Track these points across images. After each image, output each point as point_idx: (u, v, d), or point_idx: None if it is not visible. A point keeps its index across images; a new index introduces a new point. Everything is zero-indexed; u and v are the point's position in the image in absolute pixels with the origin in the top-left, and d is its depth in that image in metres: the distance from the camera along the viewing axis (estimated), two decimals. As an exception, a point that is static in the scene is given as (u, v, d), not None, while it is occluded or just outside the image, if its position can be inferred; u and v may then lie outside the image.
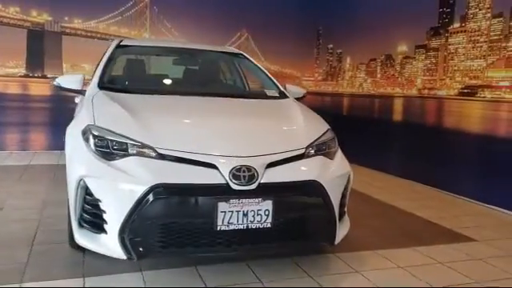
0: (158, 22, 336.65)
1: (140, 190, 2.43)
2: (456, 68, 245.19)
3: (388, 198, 4.86)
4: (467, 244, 3.54)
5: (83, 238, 2.64)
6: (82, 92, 3.59)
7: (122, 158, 2.59)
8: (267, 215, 2.57)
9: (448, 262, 3.15)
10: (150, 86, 4.01)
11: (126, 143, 2.63)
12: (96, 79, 3.57)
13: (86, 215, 2.63)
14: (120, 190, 2.48)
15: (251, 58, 4.62)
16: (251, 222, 2.55)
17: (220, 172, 2.54)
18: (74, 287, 2.57)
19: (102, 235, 2.56)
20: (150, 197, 2.43)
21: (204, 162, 2.57)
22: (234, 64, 4.94)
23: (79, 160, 2.70)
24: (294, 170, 2.74)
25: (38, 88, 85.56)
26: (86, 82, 3.69)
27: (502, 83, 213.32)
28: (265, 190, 2.57)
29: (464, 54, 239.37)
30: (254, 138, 2.94)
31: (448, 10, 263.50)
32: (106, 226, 2.54)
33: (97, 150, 2.65)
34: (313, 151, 2.91)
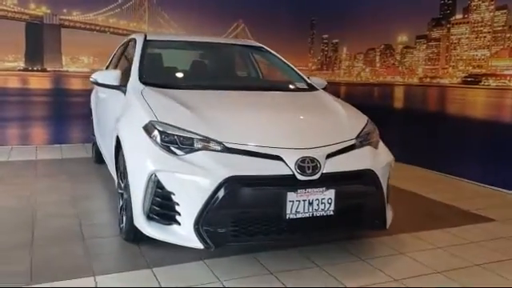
0: (156, 14, 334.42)
1: (215, 182, 2.54)
2: (459, 57, 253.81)
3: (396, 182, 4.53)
4: (489, 224, 3.81)
5: (153, 230, 2.72)
6: (119, 88, 3.66)
7: (192, 152, 2.69)
8: (330, 203, 2.69)
9: (478, 241, 3.39)
10: (191, 81, 4.15)
11: (193, 138, 2.73)
12: (135, 75, 3.62)
13: (156, 208, 2.72)
14: (195, 182, 2.58)
15: (273, 51, 4.71)
16: (316, 210, 2.67)
17: (286, 164, 2.66)
18: (146, 277, 2.67)
19: (174, 226, 2.66)
20: (224, 189, 2.54)
21: (270, 155, 2.68)
22: (250, 57, 5.03)
23: (148, 156, 2.75)
24: (350, 159, 2.88)
25: (38, 82, 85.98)
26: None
27: (506, 72, 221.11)
28: (327, 180, 2.70)
29: (467, 44, 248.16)
30: (311, 130, 3.09)
31: (450, 1, 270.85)
32: (178, 218, 2.64)
33: (165, 145, 2.74)
34: (361, 141, 3.05)
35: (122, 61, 4.74)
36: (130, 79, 3.60)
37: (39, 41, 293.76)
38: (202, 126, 2.81)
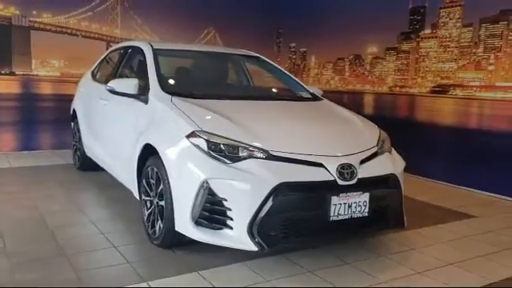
0: (129, 18, 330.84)
1: (267, 188, 2.73)
2: (428, 69, 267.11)
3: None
4: (473, 220, 4.25)
5: (203, 234, 2.84)
6: (137, 97, 3.71)
7: (241, 160, 2.85)
8: (365, 206, 2.97)
9: (471, 235, 3.80)
10: (210, 90, 4.23)
11: (238, 146, 2.89)
12: (156, 84, 3.68)
13: (206, 213, 2.84)
14: (247, 189, 2.74)
15: (270, 61, 4.95)
16: (354, 212, 2.93)
17: (328, 170, 2.90)
18: (195, 280, 2.78)
19: (225, 230, 2.80)
20: (276, 194, 2.73)
21: (313, 162, 2.91)
22: (243, 66, 5.22)
23: (198, 164, 2.87)
24: (376, 165, 3.16)
25: (6, 86, 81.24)
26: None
27: (472, 83, 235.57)
28: (362, 184, 2.96)
29: (435, 57, 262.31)
30: (342, 138, 3.34)
31: (419, 17, 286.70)
32: (230, 222, 2.79)
33: (213, 153, 2.88)
34: (380, 148, 3.33)
35: (122, 68, 4.69)
36: (151, 89, 3.66)
37: (7, 43, 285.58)
38: (243, 134, 2.98)
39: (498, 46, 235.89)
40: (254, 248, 2.73)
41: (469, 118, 51.06)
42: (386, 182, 3.15)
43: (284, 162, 2.87)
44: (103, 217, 3.88)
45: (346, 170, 2.94)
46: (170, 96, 3.50)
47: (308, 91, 4.41)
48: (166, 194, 3.05)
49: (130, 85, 3.75)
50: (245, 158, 2.86)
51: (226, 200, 2.79)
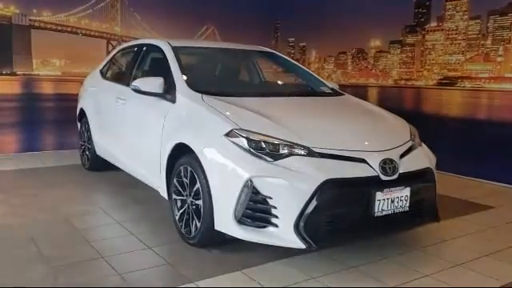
0: (128, 15, 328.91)
1: (313, 185, 2.70)
2: (434, 61, 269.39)
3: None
4: (492, 211, 4.26)
5: (247, 233, 2.81)
6: (163, 96, 3.67)
7: (282, 158, 2.81)
8: (406, 200, 2.97)
9: (496, 226, 3.83)
10: (237, 87, 4.39)
11: (279, 144, 2.85)
12: (182, 83, 3.65)
13: (249, 212, 2.80)
14: (293, 186, 2.71)
15: (285, 56, 5.01)
16: (396, 207, 2.92)
17: (370, 166, 2.88)
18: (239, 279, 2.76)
19: (270, 228, 2.77)
20: (321, 191, 2.70)
21: (356, 158, 2.88)
22: (253, 62, 5.16)
23: (241, 163, 2.83)
24: (413, 159, 3.15)
25: (7, 86, 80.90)
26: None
27: (481, 75, 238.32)
28: (403, 179, 2.96)
29: (442, 50, 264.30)
30: (379, 133, 3.33)
31: (424, 10, 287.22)
32: (275, 220, 2.75)
33: (254, 151, 2.84)
34: (413, 142, 3.32)
35: (138, 67, 4.63)
36: (178, 87, 3.63)
37: (8, 42, 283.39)
38: (282, 131, 2.94)
39: (506, 38, 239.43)
40: (302, 246, 2.71)
41: (474, 108, 51.35)
42: (424, 176, 3.16)
43: (326, 159, 2.84)
44: (128, 217, 3.83)
45: (387, 165, 2.93)
46: (199, 94, 3.47)
47: (327, 86, 4.39)
48: (203, 193, 3.03)
49: (155, 84, 3.69)
50: (286, 156, 2.82)
51: (270, 198, 2.75)
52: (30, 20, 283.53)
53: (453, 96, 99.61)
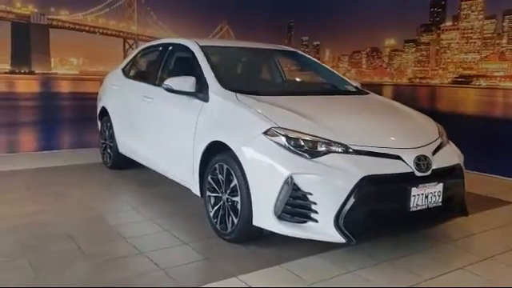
0: (145, 14, 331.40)
1: (353, 182, 2.79)
2: (449, 60, 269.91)
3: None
4: (510, 206, 4.39)
5: (287, 228, 2.89)
6: (195, 95, 3.73)
7: (321, 155, 2.89)
8: (439, 195, 3.07)
9: None
10: (268, 86, 4.60)
11: (317, 141, 2.94)
12: (215, 82, 3.70)
13: (289, 208, 2.88)
14: (333, 183, 2.80)
15: (307, 55, 5.11)
16: (430, 202, 3.02)
17: (405, 162, 2.97)
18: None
19: (310, 223, 2.84)
20: (360, 187, 2.79)
21: (391, 155, 2.97)
22: (275, 61, 5.26)
23: (281, 160, 2.91)
24: (444, 156, 3.25)
25: (26, 85, 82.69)
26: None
27: (496, 73, 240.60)
28: (436, 175, 3.06)
29: (457, 49, 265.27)
30: (410, 130, 3.42)
31: (439, 10, 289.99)
32: (315, 215, 2.83)
33: (294, 149, 2.92)
34: (442, 140, 3.41)
35: (164, 67, 4.65)
36: (210, 87, 3.68)
37: (26, 42, 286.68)
38: (318, 129, 3.02)
39: None
40: (342, 240, 2.78)
41: (490, 106, 51.70)
42: (454, 172, 3.26)
43: (362, 156, 2.92)
44: (159, 214, 3.88)
45: (422, 161, 3.02)
46: (233, 93, 3.52)
47: (352, 85, 4.46)
48: (241, 190, 3.10)
49: (188, 83, 3.75)
50: (324, 153, 2.90)
51: (310, 194, 2.83)
52: (48, 19, 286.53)
53: (468, 94, 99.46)
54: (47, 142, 17.31)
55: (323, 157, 2.88)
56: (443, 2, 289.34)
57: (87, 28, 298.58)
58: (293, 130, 2.98)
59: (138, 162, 4.93)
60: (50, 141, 17.53)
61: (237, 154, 3.11)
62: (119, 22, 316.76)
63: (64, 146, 15.23)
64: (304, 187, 2.83)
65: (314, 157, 2.88)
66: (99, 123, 5.78)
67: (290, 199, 2.87)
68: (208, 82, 3.73)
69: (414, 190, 2.94)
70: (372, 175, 2.83)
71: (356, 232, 2.80)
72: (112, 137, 5.33)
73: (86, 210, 3.94)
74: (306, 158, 2.88)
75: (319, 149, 2.91)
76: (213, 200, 3.43)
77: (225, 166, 3.25)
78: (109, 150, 5.46)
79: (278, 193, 2.87)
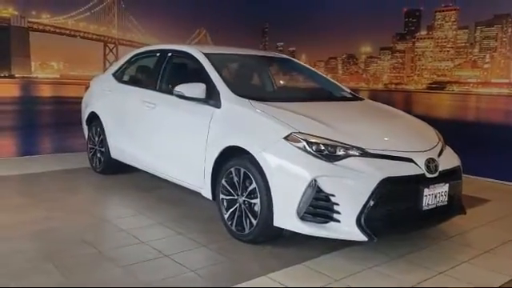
0: (125, 19, 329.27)
1: (374, 183, 2.97)
2: (424, 67, 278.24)
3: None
4: (491, 203, 4.67)
5: (310, 228, 3.03)
6: (206, 101, 3.80)
7: (340, 158, 3.06)
8: (445, 195, 3.31)
9: (504, 217, 4.21)
10: (276, 93, 4.78)
11: (336, 146, 3.09)
12: (226, 89, 3.77)
13: (312, 209, 3.03)
14: (355, 185, 2.97)
15: (299, 62, 5.25)
16: (438, 201, 3.26)
17: (417, 164, 3.18)
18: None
19: (331, 223, 3.00)
20: (380, 188, 2.97)
21: (404, 158, 3.18)
22: (270, 69, 5.39)
23: (304, 164, 3.05)
24: (447, 158, 3.50)
25: (6, 89, 78.53)
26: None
27: (469, 80, 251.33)
28: (442, 176, 3.30)
29: (431, 56, 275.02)
30: (416, 134, 3.68)
31: (414, 20, 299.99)
32: (337, 216, 2.98)
33: (315, 153, 3.06)
34: (442, 143, 3.65)
35: (164, 73, 4.62)
36: (222, 93, 3.74)
37: (6, 45, 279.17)
38: (336, 134, 3.18)
39: (493, 47, 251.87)
40: (364, 238, 2.96)
41: (462, 110, 54.00)
42: (455, 174, 3.51)
43: (380, 159, 3.11)
44: (167, 218, 3.88)
45: (431, 163, 3.26)
46: (246, 100, 3.63)
47: (347, 91, 4.65)
48: (261, 192, 3.20)
49: (199, 90, 3.82)
50: (343, 157, 3.06)
51: (333, 195, 2.98)
52: (29, 22, 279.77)
53: (441, 99, 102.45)
54: (28, 147, 16.68)
55: (343, 160, 3.03)
56: (418, 13, 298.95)
57: (68, 31, 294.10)
58: (312, 135, 3.12)
59: (129, 166, 4.90)
60: (30, 146, 16.90)
61: (257, 158, 3.21)
62: (100, 26, 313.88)
63: (45, 151, 14.68)
64: (327, 189, 2.97)
65: (335, 160, 3.03)
66: (86, 128, 5.68)
67: (313, 201, 3.00)
68: (218, 88, 3.80)
69: (426, 191, 3.15)
70: (391, 177, 3.01)
71: (377, 230, 2.97)
72: (103, 142, 5.25)
73: (94, 215, 3.91)
74: (327, 161, 3.02)
75: (338, 153, 3.05)
76: (226, 203, 3.50)
77: (242, 170, 3.33)
78: (99, 155, 5.36)
79: (301, 195, 2.99)
